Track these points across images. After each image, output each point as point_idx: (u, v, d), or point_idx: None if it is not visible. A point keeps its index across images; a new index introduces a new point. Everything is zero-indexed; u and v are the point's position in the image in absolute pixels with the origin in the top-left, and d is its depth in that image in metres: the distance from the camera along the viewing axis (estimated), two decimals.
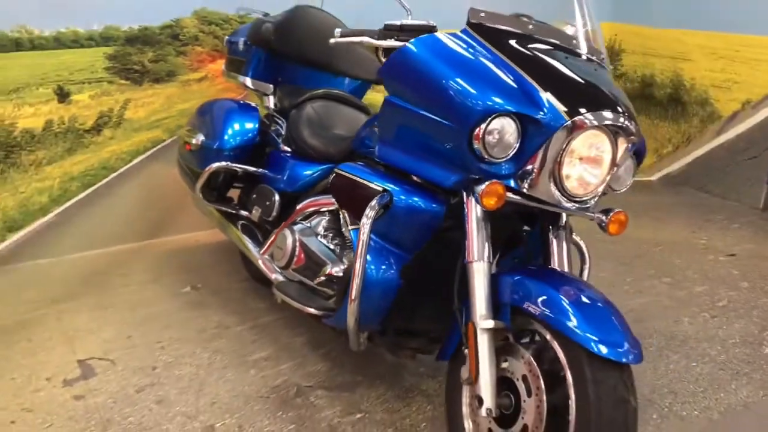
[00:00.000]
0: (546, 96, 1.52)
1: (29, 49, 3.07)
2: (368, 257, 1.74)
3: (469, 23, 1.66)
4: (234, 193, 2.89)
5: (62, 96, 3.18)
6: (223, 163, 2.57)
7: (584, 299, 1.50)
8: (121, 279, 3.10)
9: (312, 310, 2.01)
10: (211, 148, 2.61)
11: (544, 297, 1.50)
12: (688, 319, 2.70)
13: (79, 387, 2.20)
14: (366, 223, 1.69)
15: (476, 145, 1.51)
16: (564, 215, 1.75)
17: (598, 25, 1.92)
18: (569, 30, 1.76)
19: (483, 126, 1.50)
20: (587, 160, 1.58)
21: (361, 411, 2.08)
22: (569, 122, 1.49)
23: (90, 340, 2.52)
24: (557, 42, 1.67)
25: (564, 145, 1.53)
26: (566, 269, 1.73)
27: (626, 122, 1.55)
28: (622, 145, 1.59)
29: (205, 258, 3.35)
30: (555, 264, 1.73)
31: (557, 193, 1.58)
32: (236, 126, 2.63)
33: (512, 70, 1.56)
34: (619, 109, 1.56)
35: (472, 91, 1.53)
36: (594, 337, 1.40)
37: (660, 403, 2.13)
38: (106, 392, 2.17)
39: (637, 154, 1.78)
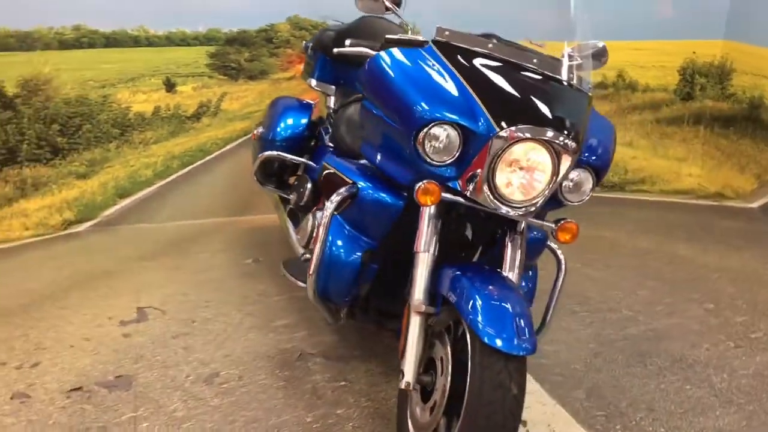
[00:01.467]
0: (483, 108, 1.68)
1: (145, 46, 3.65)
2: (338, 240, 1.98)
3: (433, 40, 1.85)
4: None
5: (169, 86, 3.74)
6: (274, 152, 2.92)
7: (496, 297, 1.64)
8: (200, 247, 3.59)
9: (300, 284, 2.29)
10: (266, 139, 2.98)
11: (464, 290, 1.66)
12: (708, 345, 2.64)
13: (130, 327, 2.65)
14: (328, 207, 1.94)
15: (419, 148, 1.71)
16: (522, 222, 1.88)
17: (597, 46, 2.03)
18: (543, 51, 1.89)
19: (424, 131, 1.69)
20: (527, 170, 1.71)
21: (345, 380, 2.32)
22: (500, 133, 1.64)
23: (154, 293, 2.99)
24: (515, 61, 1.80)
25: (498, 155, 1.67)
26: (515, 270, 1.85)
27: (563, 139, 1.66)
28: (565, 160, 1.70)
29: (274, 236, 3.75)
30: (506, 265, 1.86)
31: (492, 198, 1.73)
32: (289, 120, 2.97)
33: (460, 84, 1.73)
34: (556, 125, 1.67)
35: (419, 100, 1.73)
36: (490, 330, 1.54)
37: (630, 416, 2.16)
38: (149, 335, 2.60)
39: (597, 170, 1.87)
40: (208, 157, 3.93)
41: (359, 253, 2.00)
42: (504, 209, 1.74)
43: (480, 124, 1.67)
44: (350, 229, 2.01)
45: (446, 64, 1.79)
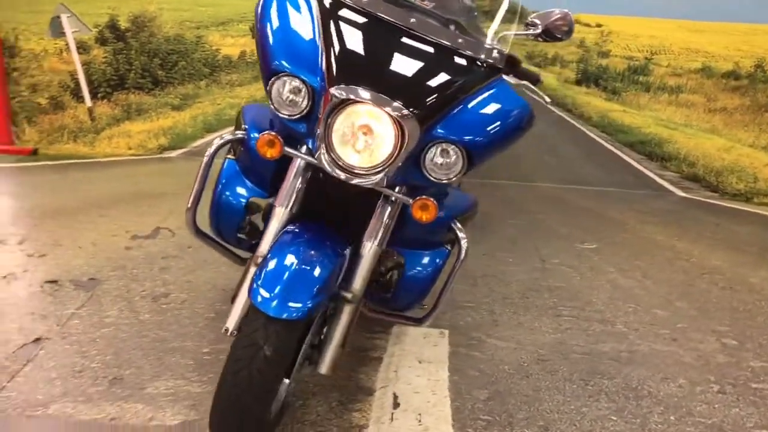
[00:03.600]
0: (324, 65, 1.62)
1: None
2: (227, 183, 2.04)
3: None
4: None
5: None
6: None
7: (292, 259, 1.59)
8: None
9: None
10: None
11: (272, 248, 1.65)
12: (684, 382, 2.24)
13: (136, 242, 2.98)
14: (210, 148, 1.98)
15: (271, 99, 1.70)
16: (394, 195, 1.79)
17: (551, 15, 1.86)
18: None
19: (271, 82, 1.68)
20: (368, 135, 1.62)
21: None
22: (331, 91, 1.58)
23: (179, 217, 3.29)
24: (390, 19, 1.69)
25: (331, 115, 1.61)
26: (372, 241, 1.77)
27: (396, 106, 1.55)
28: (407, 130, 1.58)
29: None
30: (367, 232, 1.79)
31: (328, 161, 1.67)
32: None
33: (314, 38, 1.68)
34: (395, 90, 1.56)
35: (272, 50, 1.71)
36: (262, 291, 1.51)
37: (515, 429, 1.96)
38: (145, 251, 2.90)
39: (469, 152, 1.70)
40: None
41: (243, 200, 2.04)
42: (343, 175, 1.67)
43: (318, 80, 1.62)
44: (240, 174, 2.05)
45: (314, 15, 1.74)
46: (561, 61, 4.70)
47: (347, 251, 1.76)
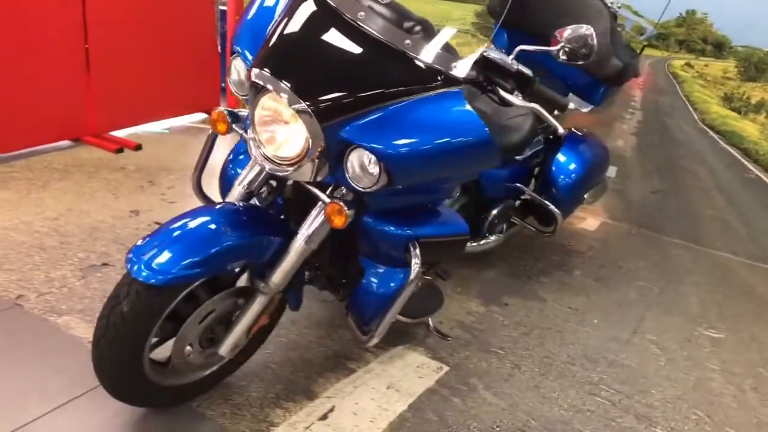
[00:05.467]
0: (260, 50, 1.67)
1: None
2: (231, 156, 2.14)
3: None
4: None
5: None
6: None
7: (174, 229, 1.66)
8: None
9: None
10: None
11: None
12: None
13: (136, 217, 3.07)
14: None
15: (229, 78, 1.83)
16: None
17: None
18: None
19: (230, 61, 1.79)
20: (278, 123, 1.64)
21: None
22: (250, 73, 1.62)
23: None
24: (340, 11, 1.65)
25: (255, 99, 1.65)
26: (301, 234, 1.76)
27: (282, 95, 1.54)
28: (308, 123, 1.56)
29: None
30: (300, 229, 1.78)
31: (254, 147, 1.70)
32: None
33: (266, 24, 1.73)
34: (303, 82, 1.55)
35: (236, 30, 1.83)
36: (136, 251, 1.61)
37: None
38: (146, 220, 3.06)
39: (386, 162, 1.58)
40: None
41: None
42: (267, 165, 1.70)
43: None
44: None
45: (285, 9, 1.77)
46: None
47: (280, 242, 1.77)
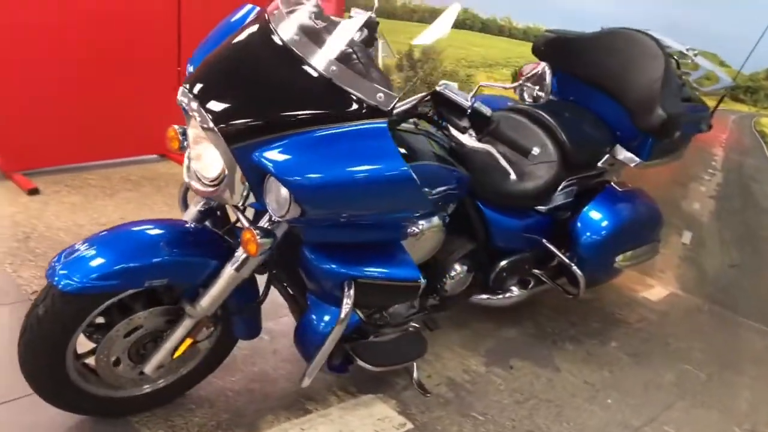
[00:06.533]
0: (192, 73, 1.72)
1: (507, 36, 3.83)
2: None
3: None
4: None
5: (516, 77, 3.82)
6: None
7: (97, 241, 1.74)
8: None
9: None
10: None
11: None
12: None
13: None
14: None
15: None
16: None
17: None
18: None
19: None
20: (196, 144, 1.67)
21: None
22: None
23: None
24: (275, 29, 1.66)
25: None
26: (232, 264, 1.76)
27: (194, 113, 1.56)
28: (215, 144, 1.57)
29: None
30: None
31: (192, 173, 1.74)
32: None
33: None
34: (220, 100, 1.57)
35: (196, 51, 1.89)
36: (60, 259, 1.69)
37: None
38: None
39: (294, 190, 1.54)
40: None
41: None
42: (194, 184, 1.73)
43: None
44: None
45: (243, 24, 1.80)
46: None
47: (216, 265, 1.78)
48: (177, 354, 1.86)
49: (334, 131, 1.57)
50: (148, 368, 1.84)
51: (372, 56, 1.70)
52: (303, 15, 1.69)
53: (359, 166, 1.57)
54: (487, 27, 3.94)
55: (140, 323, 1.81)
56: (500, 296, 2.60)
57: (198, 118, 1.56)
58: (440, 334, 2.64)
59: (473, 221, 2.35)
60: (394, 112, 1.72)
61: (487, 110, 1.75)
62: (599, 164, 2.62)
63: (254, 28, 1.70)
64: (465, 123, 1.77)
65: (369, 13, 1.81)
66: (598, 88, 2.66)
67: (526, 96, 1.86)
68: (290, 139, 1.55)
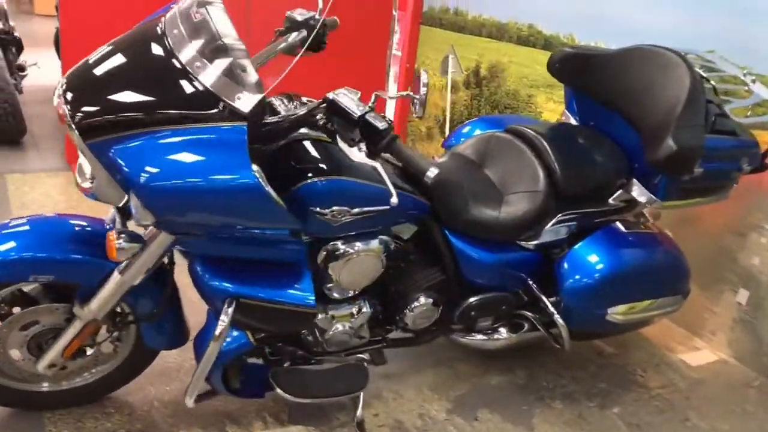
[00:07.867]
0: None
1: None
2: None
3: None
4: None
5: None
6: None
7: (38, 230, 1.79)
8: None
9: None
10: None
11: None
12: None
13: None
14: None
15: None
16: None
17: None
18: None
19: None
20: None
21: None
22: None
23: None
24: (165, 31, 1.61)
25: None
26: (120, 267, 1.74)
27: (62, 109, 1.52)
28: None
29: None
30: None
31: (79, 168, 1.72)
32: None
33: None
34: (72, 93, 1.54)
35: None
36: None
37: None
38: None
39: (146, 206, 1.51)
40: None
41: None
42: (78, 179, 1.72)
43: None
44: None
45: None
46: None
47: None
48: (66, 354, 1.84)
49: (189, 132, 1.48)
50: (40, 365, 1.84)
51: (248, 56, 1.55)
52: (200, 10, 1.60)
53: (209, 170, 1.48)
54: (551, 44, 3.62)
55: (35, 318, 1.81)
56: (484, 338, 2.32)
57: (59, 104, 1.53)
58: (413, 371, 2.43)
59: (439, 251, 2.12)
60: (273, 119, 1.60)
61: (381, 123, 1.55)
62: (610, 200, 2.27)
63: (150, 23, 1.65)
64: (355, 135, 1.59)
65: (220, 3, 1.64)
66: (617, 112, 2.31)
67: (416, 106, 1.67)
68: (145, 138, 1.47)
